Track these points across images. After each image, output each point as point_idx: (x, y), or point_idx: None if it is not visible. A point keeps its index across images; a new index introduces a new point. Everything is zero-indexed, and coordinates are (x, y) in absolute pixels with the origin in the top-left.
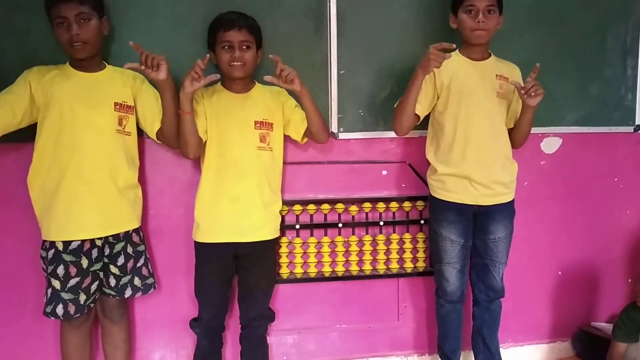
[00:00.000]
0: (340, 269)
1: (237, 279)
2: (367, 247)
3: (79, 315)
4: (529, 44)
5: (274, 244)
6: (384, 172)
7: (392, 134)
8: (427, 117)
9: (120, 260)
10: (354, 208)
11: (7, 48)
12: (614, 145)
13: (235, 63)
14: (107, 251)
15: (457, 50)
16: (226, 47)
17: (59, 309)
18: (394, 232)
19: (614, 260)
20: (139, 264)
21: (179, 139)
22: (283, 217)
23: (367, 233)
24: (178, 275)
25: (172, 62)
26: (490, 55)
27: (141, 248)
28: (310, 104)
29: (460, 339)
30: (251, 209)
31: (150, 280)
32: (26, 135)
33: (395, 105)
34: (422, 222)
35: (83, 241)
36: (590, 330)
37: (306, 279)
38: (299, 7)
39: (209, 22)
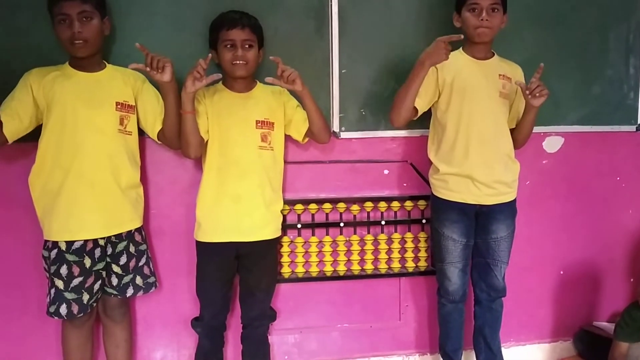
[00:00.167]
0: (341, 269)
1: (238, 279)
2: (369, 246)
3: (81, 314)
4: (531, 43)
5: (275, 243)
6: (386, 172)
7: (393, 133)
8: (428, 117)
9: (123, 260)
10: (355, 207)
11: (7, 48)
12: (616, 145)
13: (238, 62)
14: (109, 250)
15: (460, 49)
16: (229, 46)
17: (63, 309)
18: (396, 231)
19: (615, 259)
20: (140, 263)
21: (181, 139)
22: (284, 217)
23: (368, 232)
24: (179, 274)
25: (174, 62)
26: (494, 54)
27: (143, 247)
28: (311, 104)
29: (461, 339)
30: (252, 208)
31: (151, 280)
32: (28, 135)
33: (395, 96)
34: (423, 221)
35: (86, 241)
36: (592, 330)
37: (308, 279)
38: (300, 6)
39: (210, 21)
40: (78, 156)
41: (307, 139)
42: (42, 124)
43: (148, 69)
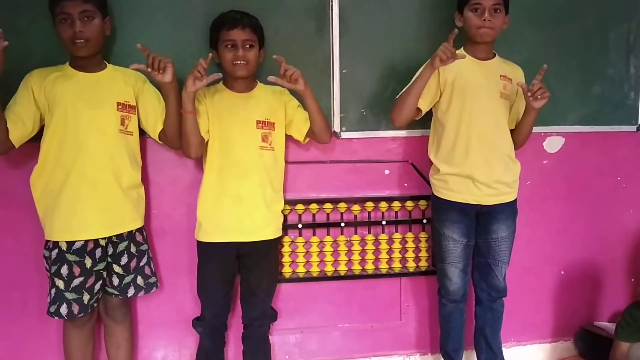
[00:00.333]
0: (342, 268)
1: (239, 278)
2: (370, 246)
3: (82, 315)
4: (532, 43)
5: (276, 243)
6: (386, 172)
7: (394, 133)
8: (429, 117)
9: (124, 260)
10: (356, 207)
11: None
12: (617, 145)
13: (239, 62)
14: (110, 251)
15: (462, 49)
16: (229, 46)
17: (63, 309)
18: (397, 231)
19: (616, 259)
20: (141, 263)
21: (181, 139)
22: (285, 217)
23: (369, 232)
24: (180, 274)
25: (175, 62)
26: (495, 55)
27: (144, 247)
28: (313, 104)
29: (462, 339)
30: (253, 208)
31: (152, 280)
32: None
33: (396, 97)
34: (424, 221)
35: (87, 241)
36: (593, 330)
37: (308, 279)
38: (301, 6)
39: (211, 21)
40: (80, 156)
41: (307, 139)
42: (44, 125)
43: (149, 69)
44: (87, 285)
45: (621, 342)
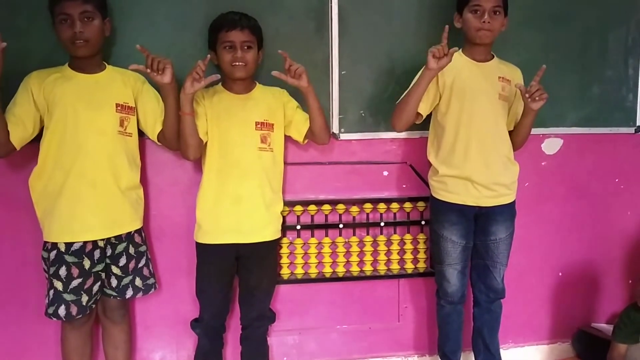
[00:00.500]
0: (341, 270)
1: (237, 280)
2: (368, 247)
3: (80, 316)
4: (530, 45)
5: (275, 244)
6: (385, 173)
7: (393, 135)
8: (428, 118)
9: (122, 261)
10: (354, 209)
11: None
12: (615, 146)
13: (237, 63)
14: (109, 252)
15: (460, 51)
16: (228, 47)
17: (61, 310)
18: (395, 232)
19: (614, 261)
20: (140, 265)
21: (180, 140)
22: (284, 218)
23: (367, 234)
24: (179, 275)
25: (174, 63)
26: (494, 56)
27: (143, 249)
28: (314, 102)
29: (460, 340)
30: (253, 209)
31: (151, 281)
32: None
33: (397, 102)
34: (422, 223)
35: (85, 242)
36: (591, 331)
37: (307, 280)
38: (300, 7)
39: (210, 22)
40: (79, 157)
41: (307, 140)
42: (44, 126)
43: (148, 70)
44: (85, 287)
45: (619, 343)
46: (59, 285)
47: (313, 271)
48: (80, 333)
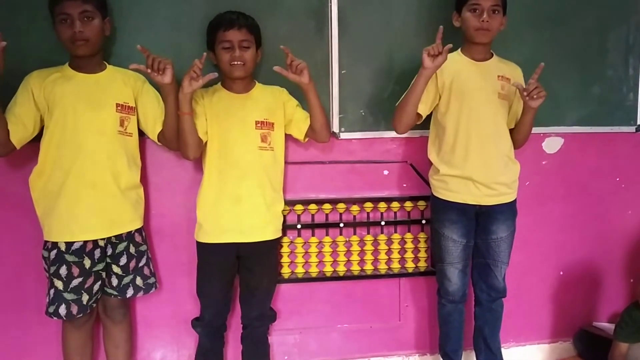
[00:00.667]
0: (341, 269)
1: (238, 279)
2: (369, 246)
3: (81, 315)
4: (530, 44)
5: (276, 244)
6: (385, 172)
7: (393, 134)
8: (428, 118)
9: (123, 260)
10: (355, 208)
11: (7, 48)
12: (616, 146)
13: (236, 62)
14: (109, 251)
15: (459, 50)
16: (226, 47)
17: (62, 309)
18: (396, 231)
19: (615, 260)
20: (140, 264)
21: (179, 140)
22: (285, 217)
23: (368, 233)
24: (179, 275)
25: (174, 63)
26: (493, 55)
27: (143, 248)
28: (315, 99)
29: (461, 339)
30: (253, 209)
31: (151, 280)
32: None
33: (396, 104)
34: (423, 222)
35: (86, 242)
36: (592, 330)
37: (307, 279)
38: (300, 7)
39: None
40: (79, 157)
41: (307, 139)
42: (44, 126)
43: (149, 70)
44: (86, 286)
45: (620, 342)
46: (59, 284)
47: (314, 270)
48: (80, 332)
